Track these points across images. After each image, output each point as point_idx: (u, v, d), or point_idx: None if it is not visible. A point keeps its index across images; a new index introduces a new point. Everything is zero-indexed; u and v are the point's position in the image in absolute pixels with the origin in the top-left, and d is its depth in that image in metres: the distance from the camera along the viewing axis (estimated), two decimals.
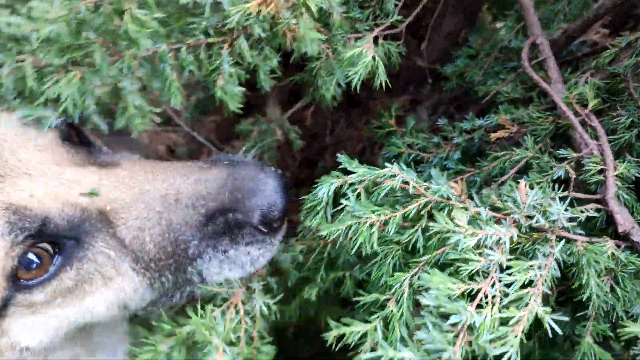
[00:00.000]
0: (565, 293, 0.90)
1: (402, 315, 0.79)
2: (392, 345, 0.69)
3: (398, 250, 0.86)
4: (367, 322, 0.79)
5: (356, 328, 0.77)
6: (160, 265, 0.90)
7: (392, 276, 0.82)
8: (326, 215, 0.86)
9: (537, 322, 0.73)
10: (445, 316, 0.67)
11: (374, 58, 0.88)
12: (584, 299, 0.79)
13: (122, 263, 0.90)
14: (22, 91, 0.88)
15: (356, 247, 0.81)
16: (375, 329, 0.78)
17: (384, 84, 1.04)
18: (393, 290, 0.81)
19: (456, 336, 0.64)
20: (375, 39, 1.09)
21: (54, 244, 0.86)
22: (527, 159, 0.99)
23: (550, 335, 0.70)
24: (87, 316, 0.94)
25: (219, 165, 0.93)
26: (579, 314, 0.85)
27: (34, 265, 0.84)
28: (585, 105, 1.03)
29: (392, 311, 0.80)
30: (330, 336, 0.81)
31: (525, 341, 0.67)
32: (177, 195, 0.88)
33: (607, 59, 1.09)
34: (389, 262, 0.86)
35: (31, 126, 0.90)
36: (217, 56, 0.88)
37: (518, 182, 0.86)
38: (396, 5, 1.11)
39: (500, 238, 0.72)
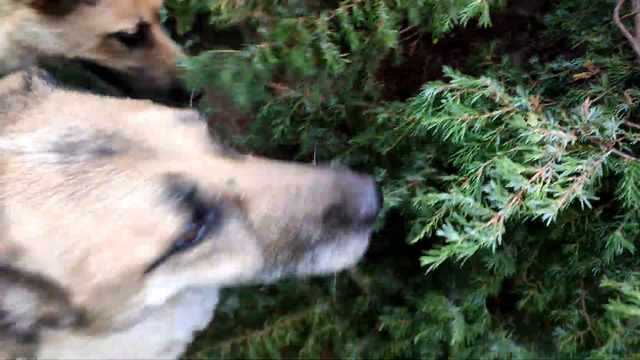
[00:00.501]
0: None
1: (472, 191, 1.05)
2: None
3: (478, 146, 1.12)
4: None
5: (438, 195, 1.05)
6: (278, 249, 1.03)
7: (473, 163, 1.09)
8: (427, 111, 1.13)
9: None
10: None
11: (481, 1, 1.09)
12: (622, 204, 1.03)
13: (249, 243, 1.01)
14: None
15: (447, 136, 1.07)
16: (451, 199, 1.05)
17: (486, 24, 1.24)
18: (469, 173, 1.08)
19: (511, 198, 0.91)
20: None
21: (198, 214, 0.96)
22: (601, 94, 1.19)
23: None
24: (209, 282, 1.05)
25: (328, 169, 1.12)
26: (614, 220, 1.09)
27: (189, 230, 0.91)
28: None
29: (465, 188, 1.07)
30: (417, 200, 1.10)
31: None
32: (299, 190, 1.01)
33: None
34: (470, 154, 1.13)
35: (182, 117, 1.03)
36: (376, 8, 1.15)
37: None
38: None
39: (560, 139, 0.96)
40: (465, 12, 1.09)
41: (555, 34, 1.65)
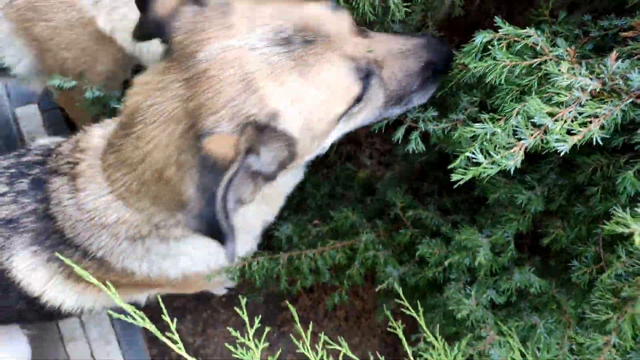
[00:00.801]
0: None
1: (506, 128, 1.22)
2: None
3: (517, 90, 1.28)
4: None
5: (472, 129, 1.22)
6: (397, 95, 1.43)
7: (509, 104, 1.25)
8: (476, 56, 1.28)
9: None
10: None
11: None
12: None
13: (380, 93, 1.39)
14: None
15: (489, 78, 1.23)
16: (486, 133, 1.22)
17: None
18: (505, 112, 1.24)
19: (533, 132, 1.08)
20: None
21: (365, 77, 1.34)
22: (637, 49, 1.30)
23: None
24: (356, 125, 1.46)
25: (420, 36, 1.48)
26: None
27: (363, 91, 1.33)
28: None
29: (501, 124, 1.23)
30: (457, 134, 1.28)
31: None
32: (407, 52, 1.39)
33: None
34: (509, 96, 1.28)
35: (330, 8, 1.35)
36: None
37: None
38: None
39: (586, 85, 1.10)
40: None
41: None
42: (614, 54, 1.12)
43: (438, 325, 1.49)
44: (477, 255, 1.57)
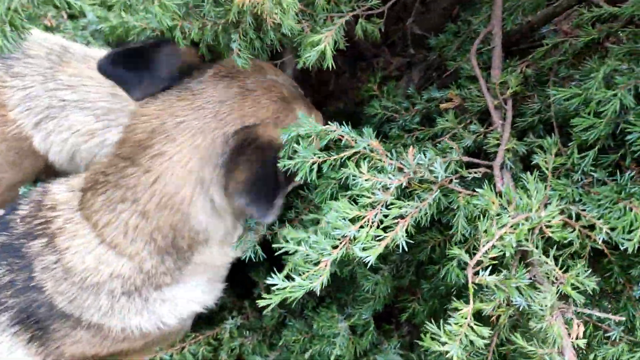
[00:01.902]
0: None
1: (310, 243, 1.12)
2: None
3: (335, 184, 1.20)
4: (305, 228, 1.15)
5: (296, 235, 1.13)
6: None
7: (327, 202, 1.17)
8: (287, 153, 1.20)
9: None
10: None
11: (326, 46, 1.15)
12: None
13: None
14: None
15: (300, 176, 1.15)
16: (307, 240, 1.13)
17: (331, 66, 1.26)
18: (324, 212, 1.16)
19: (339, 243, 0.99)
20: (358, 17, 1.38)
21: None
22: (451, 129, 1.28)
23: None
24: None
25: None
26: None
27: None
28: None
29: (322, 226, 1.15)
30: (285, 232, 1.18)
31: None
32: None
33: (540, 53, 1.33)
34: (328, 191, 1.20)
35: None
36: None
37: (435, 145, 1.18)
38: None
39: (387, 184, 1.04)
40: (310, 57, 1.15)
41: (440, 56, 1.73)
42: (411, 150, 1.08)
43: None
44: (334, 346, 1.47)
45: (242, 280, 2.24)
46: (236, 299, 2.09)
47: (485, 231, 0.94)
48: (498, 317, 1.05)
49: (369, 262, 0.98)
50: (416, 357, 1.59)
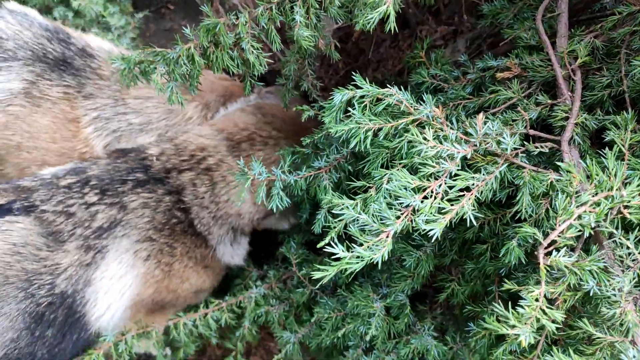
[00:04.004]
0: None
1: (377, 198, 1.06)
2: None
3: (387, 153, 1.12)
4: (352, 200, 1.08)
5: (346, 201, 1.05)
6: None
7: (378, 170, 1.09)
8: (337, 117, 1.12)
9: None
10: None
11: (389, 7, 1.06)
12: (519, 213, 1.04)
13: None
14: None
15: (352, 145, 1.07)
16: (357, 205, 1.06)
17: (392, 29, 1.18)
18: (374, 180, 1.09)
19: (401, 214, 0.92)
20: None
21: None
22: (512, 99, 1.19)
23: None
24: None
25: None
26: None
27: None
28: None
29: (371, 194, 1.07)
30: (325, 200, 1.11)
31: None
32: None
33: (610, 24, 1.23)
34: (378, 161, 1.13)
35: None
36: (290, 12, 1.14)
37: (497, 116, 1.09)
38: None
39: (454, 154, 0.96)
40: (373, 18, 1.06)
41: (493, 24, 1.63)
42: (480, 116, 0.99)
43: None
44: (369, 325, 1.41)
45: (263, 252, 2.19)
46: (259, 269, 2.04)
47: (564, 208, 0.86)
48: (563, 300, 0.98)
49: (432, 235, 0.91)
50: (450, 339, 1.53)
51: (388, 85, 1.11)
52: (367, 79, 1.14)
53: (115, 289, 1.58)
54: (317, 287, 1.80)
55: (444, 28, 1.87)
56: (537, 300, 0.85)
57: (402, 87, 1.65)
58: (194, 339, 1.80)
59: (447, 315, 1.69)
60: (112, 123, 1.77)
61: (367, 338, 1.39)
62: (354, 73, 1.16)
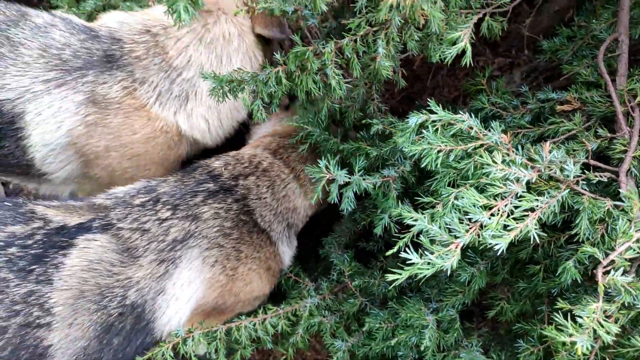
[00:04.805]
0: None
1: (443, 214, 1.16)
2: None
3: (454, 173, 1.23)
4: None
5: (414, 214, 1.16)
6: None
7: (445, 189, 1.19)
8: (410, 138, 1.23)
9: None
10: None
11: (466, 44, 1.17)
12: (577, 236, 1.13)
13: None
14: None
15: (425, 162, 1.18)
16: (425, 218, 1.17)
17: (468, 64, 1.29)
18: (442, 197, 1.19)
19: (469, 228, 1.02)
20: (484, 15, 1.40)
21: None
22: (572, 131, 1.28)
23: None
24: None
25: None
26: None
27: None
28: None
29: (438, 210, 1.18)
30: (396, 212, 1.22)
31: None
32: None
33: None
34: (446, 180, 1.23)
35: None
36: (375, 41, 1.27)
37: (558, 145, 1.19)
38: None
39: (520, 177, 1.06)
40: (450, 53, 1.18)
41: (551, 59, 1.73)
42: (547, 145, 1.09)
43: None
44: (423, 336, 1.49)
45: (317, 263, 2.30)
46: (311, 280, 2.14)
47: (624, 232, 0.95)
48: (615, 319, 1.06)
49: (498, 249, 1.00)
50: (496, 357, 1.60)
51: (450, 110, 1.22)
52: (437, 103, 1.26)
53: (184, 295, 1.70)
54: (367, 298, 1.89)
55: (501, 60, 1.97)
56: (594, 312, 0.94)
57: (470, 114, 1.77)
58: (250, 343, 1.91)
59: (492, 334, 1.75)
60: (173, 90, 1.87)
61: (421, 348, 1.47)
62: (414, 97, 1.28)
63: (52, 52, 1.77)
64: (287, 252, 1.96)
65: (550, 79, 1.84)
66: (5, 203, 1.56)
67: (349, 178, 1.36)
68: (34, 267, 1.42)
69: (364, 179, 1.41)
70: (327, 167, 1.34)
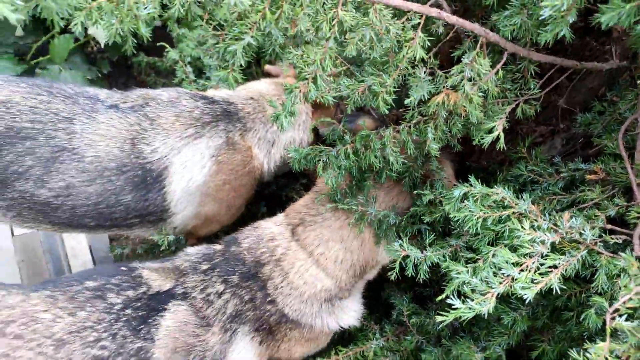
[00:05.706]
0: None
1: (484, 268, 1.45)
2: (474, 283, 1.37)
3: (492, 235, 1.51)
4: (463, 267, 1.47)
5: (456, 267, 1.45)
6: None
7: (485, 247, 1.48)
8: (454, 206, 1.54)
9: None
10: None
11: (500, 133, 1.48)
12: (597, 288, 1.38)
13: None
14: None
15: (467, 226, 1.48)
16: (468, 272, 1.45)
17: (502, 148, 1.59)
18: (482, 254, 1.48)
19: (503, 281, 1.30)
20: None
21: None
22: (594, 199, 1.54)
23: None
24: None
25: None
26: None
27: None
28: None
29: (479, 264, 1.46)
30: (444, 265, 1.51)
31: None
32: None
33: None
34: (485, 239, 1.52)
35: None
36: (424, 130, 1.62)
37: (579, 212, 1.46)
38: (536, 83, 1.69)
39: (545, 240, 1.34)
40: (487, 139, 1.49)
41: (585, 131, 1.99)
42: (567, 214, 1.37)
43: None
44: None
45: (380, 306, 2.58)
46: (375, 323, 2.42)
47: (625, 286, 1.20)
48: (627, 357, 1.29)
49: (527, 298, 1.28)
50: None
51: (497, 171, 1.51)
52: (472, 164, 1.54)
53: None
54: (423, 337, 2.16)
55: (543, 128, 2.24)
56: (602, 350, 1.19)
57: (497, 173, 2.04)
58: None
59: None
60: (267, 137, 2.43)
61: None
62: (466, 158, 1.58)
63: (185, 115, 2.28)
64: (333, 320, 2.02)
65: (587, 145, 2.08)
66: (122, 268, 1.88)
67: (422, 254, 1.65)
68: (142, 326, 1.72)
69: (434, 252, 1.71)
70: (400, 246, 1.64)
